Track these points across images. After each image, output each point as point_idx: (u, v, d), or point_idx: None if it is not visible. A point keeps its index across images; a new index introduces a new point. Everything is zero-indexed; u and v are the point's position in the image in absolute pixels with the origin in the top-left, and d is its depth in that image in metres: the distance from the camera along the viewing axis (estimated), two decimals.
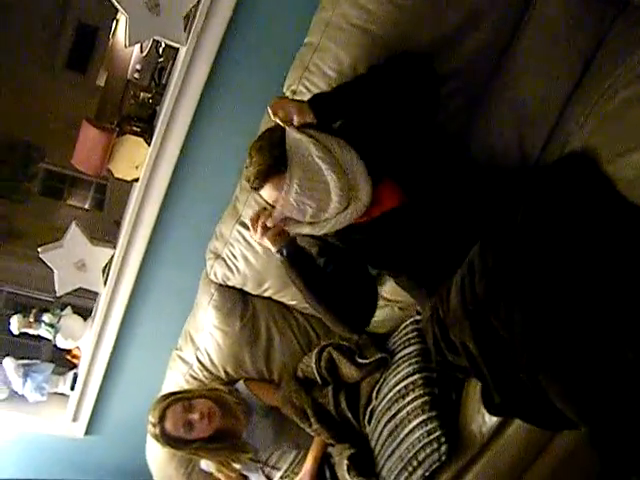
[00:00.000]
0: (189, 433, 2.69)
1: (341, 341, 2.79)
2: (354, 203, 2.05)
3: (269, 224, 2.14)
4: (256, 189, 2.14)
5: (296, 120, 2.04)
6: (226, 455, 2.80)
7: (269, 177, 2.07)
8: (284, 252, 2.21)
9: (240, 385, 2.91)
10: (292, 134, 2.05)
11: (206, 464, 2.91)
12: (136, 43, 2.64)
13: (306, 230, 2.15)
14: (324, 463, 2.74)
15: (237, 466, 2.83)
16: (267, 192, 2.11)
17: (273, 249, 2.21)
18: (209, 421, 2.70)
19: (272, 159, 2.06)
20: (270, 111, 2.07)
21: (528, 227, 1.80)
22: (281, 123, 2.06)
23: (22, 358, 3.44)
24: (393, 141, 2.13)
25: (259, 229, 2.16)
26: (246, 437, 2.82)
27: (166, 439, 2.69)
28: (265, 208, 2.22)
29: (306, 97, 2.33)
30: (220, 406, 2.76)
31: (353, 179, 2.03)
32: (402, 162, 2.11)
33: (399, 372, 2.50)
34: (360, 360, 2.67)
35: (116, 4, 2.46)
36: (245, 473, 2.88)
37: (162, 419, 2.67)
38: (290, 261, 2.23)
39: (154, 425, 2.68)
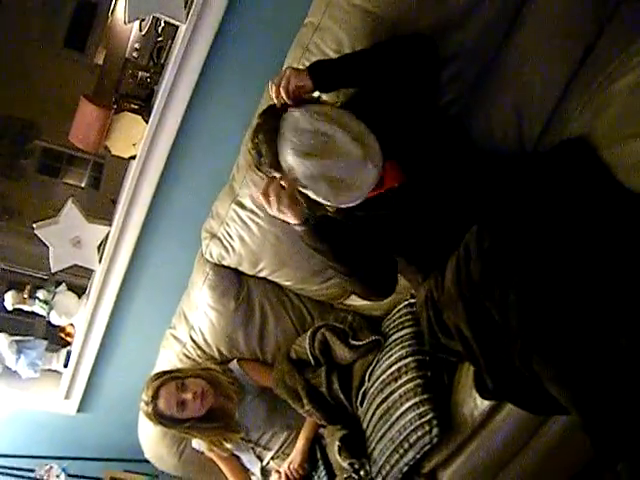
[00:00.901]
0: (182, 412, 2.69)
1: (335, 323, 2.80)
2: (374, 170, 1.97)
3: (284, 184, 1.97)
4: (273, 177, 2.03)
5: (293, 83, 1.97)
6: (218, 435, 2.81)
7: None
8: (311, 220, 2.05)
9: (233, 365, 2.91)
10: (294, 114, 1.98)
11: (198, 443, 2.92)
12: (135, 19, 2.62)
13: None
14: (315, 444, 2.76)
15: (228, 446, 2.84)
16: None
17: (294, 220, 2.03)
18: (202, 401, 2.70)
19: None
20: (271, 85, 2.02)
21: (525, 211, 1.81)
22: (277, 101, 2.03)
23: (16, 334, 3.44)
24: (394, 120, 2.10)
25: (274, 199, 1.97)
26: (238, 417, 2.83)
27: (159, 418, 2.70)
28: (273, 178, 2.02)
29: None
30: (213, 386, 2.77)
31: (370, 147, 1.97)
32: (403, 142, 2.07)
33: (392, 355, 2.51)
34: (353, 342, 2.68)
35: None
36: (236, 453, 2.90)
37: (155, 398, 2.68)
38: (316, 230, 2.08)
39: (147, 403, 2.68)
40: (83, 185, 11.20)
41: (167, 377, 2.74)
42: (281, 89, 1.97)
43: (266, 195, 1.99)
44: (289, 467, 2.72)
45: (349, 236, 2.14)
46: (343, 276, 2.22)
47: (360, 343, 2.66)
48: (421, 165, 2.06)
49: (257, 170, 2.10)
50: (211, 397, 2.74)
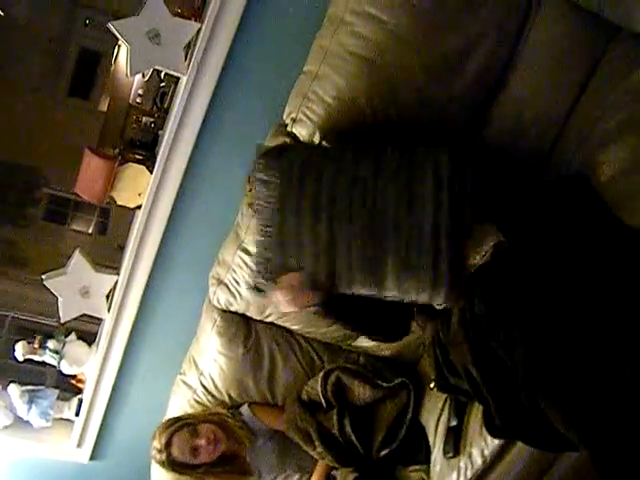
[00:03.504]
0: (195, 458, 2.69)
1: (347, 364, 2.81)
2: None
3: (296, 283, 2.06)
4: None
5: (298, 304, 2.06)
6: (231, 479, 2.81)
7: None
8: (323, 305, 2.14)
9: (244, 409, 2.91)
10: None
11: None
12: (137, 73, 2.68)
13: None
14: None
15: None
16: None
17: (313, 309, 2.15)
18: (215, 446, 2.70)
19: None
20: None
21: (527, 250, 1.82)
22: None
23: (27, 384, 3.44)
24: None
25: (290, 301, 2.08)
26: (250, 460, 2.82)
27: (172, 465, 2.69)
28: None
29: (306, 125, 2.37)
30: (224, 431, 2.77)
31: None
32: None
33: None
34: (379, 382, 2.72)
35: (118, 35, 2.50)
36: None
37: (168, 445, 2.67)
38: (328, 308, 2.18)
39: (160, 451, 2.68)
40: (90, 231, 11.25)
41: (179, 424, 2.74)
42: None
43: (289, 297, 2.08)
44: None
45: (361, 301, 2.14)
46: (358, 333, 2.28)
47: (388, 385, 2.70)
48: None
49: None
50: (223, 442, 2.74)
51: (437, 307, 2.01)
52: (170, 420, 2.81)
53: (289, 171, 2.07)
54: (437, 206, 1.90)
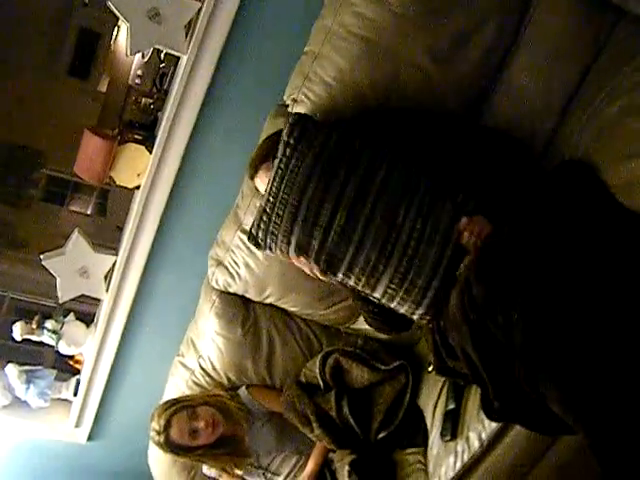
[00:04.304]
0: (194, 441, 2.69)
1: (346, 347, 2.81)
2: None
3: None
4: (251, 177, 2.30)
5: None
6: (229, 461, 2.81)
7: (261, 164, 2.19)
8: None
9: (242, 391, 2.92)
10: None
11: (208, 469, 2.92)
12: (137, 52, 2.65)
13: None
14: (325, 469, 2.76)
15: (239, 472, 2.84)
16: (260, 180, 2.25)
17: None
18: (214, 429, 2.70)
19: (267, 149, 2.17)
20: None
21: (527, 231, 1.81)
22: None
23: (25, 364, 3.45)
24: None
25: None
26: (248, 442, 2.83)
27: (170, 447, 2.69)
28: None
29: (307, 106, 2.36)
30: (223, 413, 2.77)
31: None
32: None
33: None
34: (378, 364, 2.73)
35: (117, 13, 2.48)
36: (247, 478, 2.89)
37: (167, 427, 2.66)
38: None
39: (159, 433, 2.67)
40: (89, 212, 11.26)
41: (178, 406, 2.73)
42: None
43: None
44: None
45: None
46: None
47: (386, 367, 2.70)
48: None
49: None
50: (222, 424, 2.74)
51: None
52: (169, 402, 2.81)
53: (325, 146, 2.08)
54: (446, 240, 2.00)
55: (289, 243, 2.08)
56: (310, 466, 2.75)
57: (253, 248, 2.63)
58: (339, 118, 2.34)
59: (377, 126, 2.26)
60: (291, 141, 2.06)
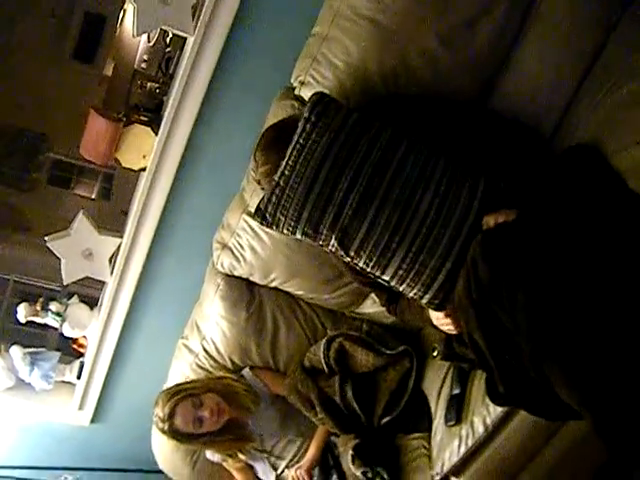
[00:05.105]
0: (198, 429, 2.67)
1: (350, 332, 2.80)
2: None
3: None
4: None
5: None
6: (233, 446, 2.81)
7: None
8: None
9: (246, 372, 2.91)
10: None
11: (211, 454, 2.92)
12: (144, 33, 2.64)
13: None
14: (328, 453, 2.76)
15: (243, 457, 2.84)
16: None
17: None
18: (218, 417, 2.69)
19: (275, 157, 2.09)
20: None
21: (535, 215, 1.81)
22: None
23: (29, 346, 3.45)
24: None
25: None
26: (252, 426, 2.83)
27: (174, 434, 2.67)
28: None
29: (314, 89, 2.35)
30: (227, 398, 2.75)
31: None
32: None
33: None
34: (383, 349, 2.72)
35: None
36: (251, 463, 2.89)
37: (172, 415, 2.63)
38: None
39: (163, 420, 2.65)
40: (94, 196, 11.26)
41: (183, 394, 2.71)
42: None
43: None
44: (296, 472, 2.71)
45: None
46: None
47: (391, 352, 2.70)
48: None
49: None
50: (227, 411, 2.73)
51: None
52: (173, 389, 2.78)
53: (344, 124, 2.05)
54: (461, 223, 1.97)
55: (299, 218, 2.06)
56: (311, 451, 2.75)
57: (259, 230, 2.64)
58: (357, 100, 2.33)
59: (396, 108, 2.24)
60: (312, 118, 2.04)
